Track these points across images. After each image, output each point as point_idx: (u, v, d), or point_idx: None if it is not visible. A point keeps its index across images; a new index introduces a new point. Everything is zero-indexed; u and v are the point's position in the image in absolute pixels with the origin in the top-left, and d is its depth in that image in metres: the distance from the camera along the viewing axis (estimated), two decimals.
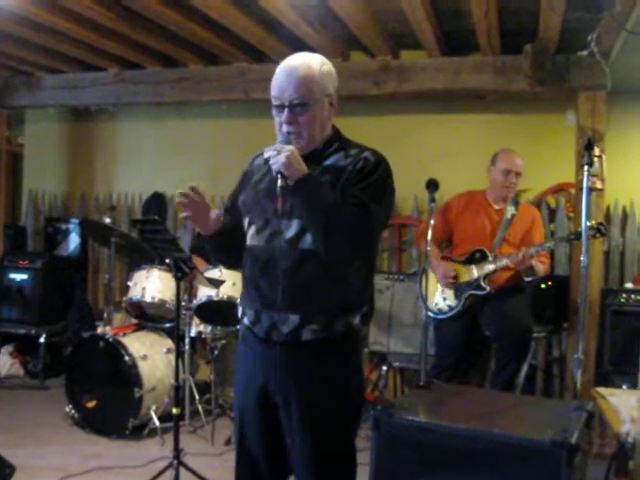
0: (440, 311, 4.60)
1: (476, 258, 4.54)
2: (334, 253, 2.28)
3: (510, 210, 4.60)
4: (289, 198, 2.25)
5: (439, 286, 4.63)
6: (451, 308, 4.57)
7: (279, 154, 2.21)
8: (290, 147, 2.24)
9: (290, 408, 2.37)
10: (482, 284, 4.48)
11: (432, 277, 4.62)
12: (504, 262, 4.42)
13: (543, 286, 5.24)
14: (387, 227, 5.54)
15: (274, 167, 2.22)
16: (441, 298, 4.62)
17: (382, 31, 4.94)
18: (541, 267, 4.48)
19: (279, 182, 2.21)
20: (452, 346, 4.58)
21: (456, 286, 4.56)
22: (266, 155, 2.27)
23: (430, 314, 4.58)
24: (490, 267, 4.47)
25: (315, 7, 4.43)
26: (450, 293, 4.59)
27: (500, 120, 5.83)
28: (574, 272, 4.95)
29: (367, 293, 2.49)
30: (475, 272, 4.51)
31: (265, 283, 2.37)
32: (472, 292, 4.51)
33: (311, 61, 2.38)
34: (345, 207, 2.23)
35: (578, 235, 4.25)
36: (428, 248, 4.23)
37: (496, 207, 4.66)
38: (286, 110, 2.33)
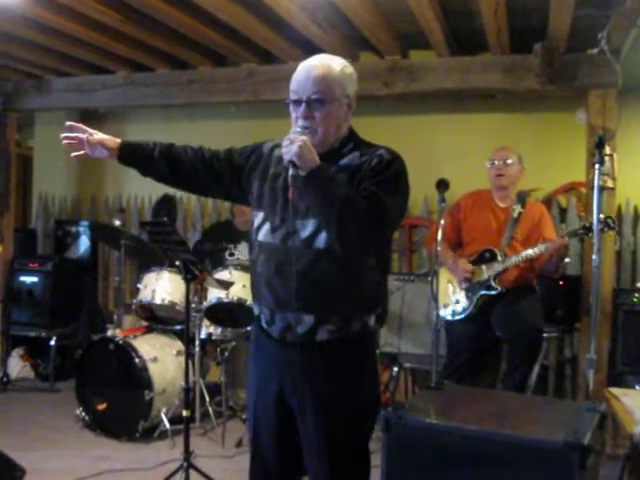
0: (452, 313, 4.58)
1: (486, 258, 4.52)
2: (347, 247, 2.26)
3: (517, 208, 4.59)
4: (301, 190, 2.23)
5: (450, 287, 4.61)
6: (464, 309, 4.55)
7: (292, 144, 2.21)
8: (303, 137, 2.24)
9: (305, 409, 2.36)
10: (493, 284, 4.46)
11: (443, 279, 4.61)
12: (513, 260, 4.40)
13: (555, 286, 5.21)
14: (399, 226, 5.54)
15: (286, 157, 2.22)
16: (453, 300, 4.60)
17: (391, 31, 4.92)
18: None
19: (290, 171, 2.20)
20: (464, 347, 4.56)
21: (467, 287, 4.54)
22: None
23: (442, 316, 4.57)
24: (500, 266, 4.45)
25: (324, 8, 4.43)
26: (462, 294, 4.57)
27: (510, 119, 5.81)
28: (586, 272, 4.92)
29: (381, 293, 2.49)
30: (485, 272, 4.49)
31: (279, 283, 2.36)
32: (483, 292, 4.49)
33: (333, 61, 2.41)
34: (358, 200, 2.22)
35: (587, 230, 4.23)
36: (438, 248, 4.22)
37: (502, 205, 4.65)
38: (303, 105, 2.34)
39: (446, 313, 4.59)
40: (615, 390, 3.81)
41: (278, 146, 2.48)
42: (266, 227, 2.43)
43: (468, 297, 4.54)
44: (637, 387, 4.24)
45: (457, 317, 4.56)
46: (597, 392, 4.01)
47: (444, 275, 4.62)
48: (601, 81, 4.76)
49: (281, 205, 2.39)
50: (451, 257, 4.61)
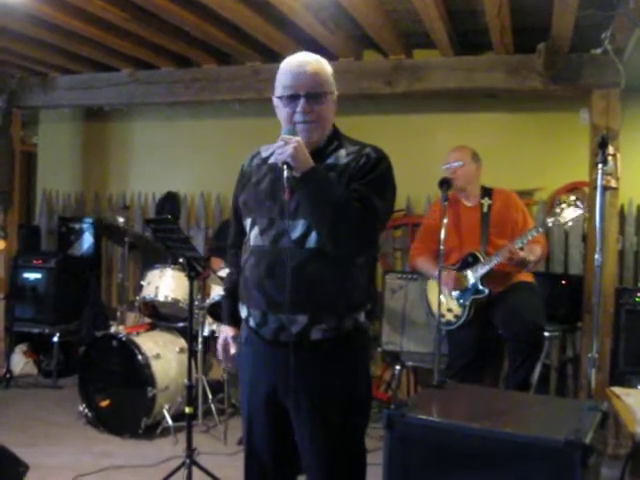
0: (448, 322, 4.54)
1: (469, 262, 4.49)
2: (340, 247, 2.28)
3: (485, 202, 4.57)
4: (295, 190, 2.23)
5: (442, 297, 4.47)
6: (458, 317, 4.51)
7: (286, 145, 2.21)
8: (297, 138, 2.24)
9: (300, 408, 2.37)
10: (480, 287, 4.43)
11: (434, 290, 4.52)
12: (495, 260, 4.35)
13: (557, 285, 5.22)
14: (386, 226, 5.52)
15: (280, 157, 2.21)
16: (446, 310, 4.56)
17: (395, 30, 4.93)
18: (532, 257, 4.31)
19: (285, 172, 2.19)
20: (465, 350, 4.51)
21: (458, 295, 4.52)
22: (267, 151, 2.28)
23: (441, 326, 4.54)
24: (483, 269, 4.42)
25: (328, 6, 4.43)
26: (454, 303, 4.53)
27: (513, 119, 5.81)
28: (588, 271, 4.92)
29: (371, 290, 2.50)
30: (471, 277, 4.47)
31: (271, 284, 2.35)
32: (473, 297, 4.46)
33: (320, 58, 2.43)
34: (350, 201, 2.23)
35: (556, 215, 4.17)
36: (441, 247, 4.19)
37: (469, 204, 4.64)
38: (302, 99, 2.33)
39: (443, 324, 4.53)
40: (617, 389, 3.82)
41: (256, 156, 2.55)
42: (255, 231, 2.44)
43: (460, 304, 4.49)
44: (639, 387, 4.25)
45: (454, 326, 4.54)
46: (599, 391, 4.01)
47: (435, 286, 4.54)
48: (604, 81, 4.76)
49: (267, 207, 2.39)
50: (432, 268, 4.53)
